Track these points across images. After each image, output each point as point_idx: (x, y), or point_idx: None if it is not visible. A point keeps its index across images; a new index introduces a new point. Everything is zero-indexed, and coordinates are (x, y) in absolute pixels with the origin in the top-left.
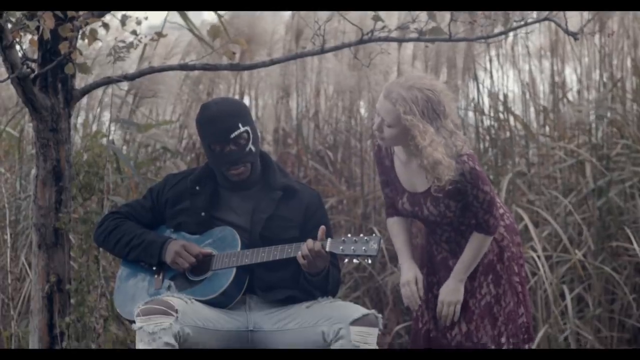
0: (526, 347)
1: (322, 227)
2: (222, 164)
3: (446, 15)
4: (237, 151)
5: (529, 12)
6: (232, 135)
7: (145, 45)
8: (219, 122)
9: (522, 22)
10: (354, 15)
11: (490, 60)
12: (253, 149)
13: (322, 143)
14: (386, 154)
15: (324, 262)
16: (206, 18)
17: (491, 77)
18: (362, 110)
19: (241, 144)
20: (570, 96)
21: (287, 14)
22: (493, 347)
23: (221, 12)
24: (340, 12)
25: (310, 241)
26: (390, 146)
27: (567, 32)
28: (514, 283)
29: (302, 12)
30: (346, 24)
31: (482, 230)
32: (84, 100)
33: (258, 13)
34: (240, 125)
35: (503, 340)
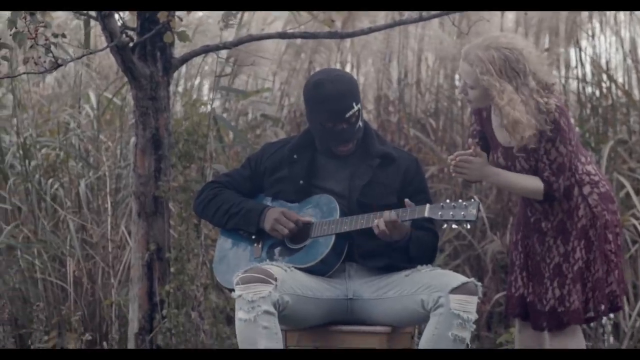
0: (611, 315)
1: (406, 200)
2: (333, 141)
3: None
4: (349, 129)
5: None
6: (347, 115)
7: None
8: (334, 101)
9: None
10: None
11: (593, 28)
12: (361, 124)
13: (424, 111)
14: (484, 107)
15: (399, 234)
16: None
17: (594, 44)
18: None
19: (353, 122)
20: None
21: None
22: (582, 312)
23: None
24: None
25: (386, 212)
26: (477, 107)
27: None
28: (606, 251)
29: None
30: None
31: (545, 185)
32: (183, 68)
33: None
34: (354, 104)
35: (590, 306)
